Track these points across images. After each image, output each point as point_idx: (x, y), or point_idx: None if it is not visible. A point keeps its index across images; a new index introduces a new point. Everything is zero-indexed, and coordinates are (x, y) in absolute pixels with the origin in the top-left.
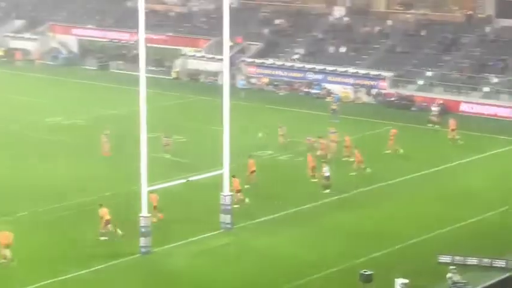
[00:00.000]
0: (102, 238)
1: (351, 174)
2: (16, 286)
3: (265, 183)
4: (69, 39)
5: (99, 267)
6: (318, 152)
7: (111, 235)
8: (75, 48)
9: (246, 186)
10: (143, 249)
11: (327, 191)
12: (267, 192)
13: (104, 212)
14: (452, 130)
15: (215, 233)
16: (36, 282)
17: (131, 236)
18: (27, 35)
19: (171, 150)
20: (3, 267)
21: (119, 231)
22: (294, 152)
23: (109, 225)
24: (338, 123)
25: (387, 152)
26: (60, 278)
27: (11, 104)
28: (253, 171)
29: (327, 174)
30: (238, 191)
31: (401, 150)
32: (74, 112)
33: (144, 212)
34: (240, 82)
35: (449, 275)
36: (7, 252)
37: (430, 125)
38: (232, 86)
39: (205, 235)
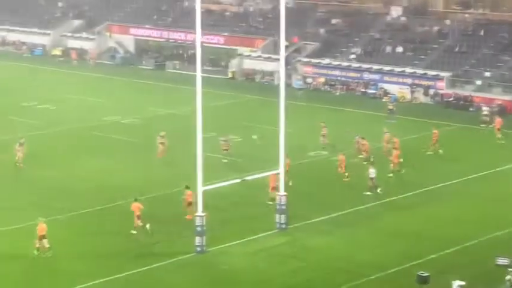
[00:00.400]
0: (148, 227)
1: (402, 172)
2: (76, 283)
3: (319, 183)
4: (126, 39)
5: (156, 265)
6: (364, 154)
7: (141, 230)
8: (132, 48)
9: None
10: (198, 248)
11: (379, 190)
12: (320, 193)
13: (135, 207)
14: (498, 130)
15: (270, 232)
16: (96, 279)
17: (187, 235)
18: (84, 35)
19: (229, 153)
20: (45, 257)
21: (147, 226)
22: (349, 153)
23: (139, 220)
24: (394, 124)
25: (438, 151)
26: (119, 275)
27: (69, 103)
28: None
29: (373, 176)
30: (273, 189)
31: (429, 152)
32: (131, 111)
33: (200, 211)
34: (297, 82)
35: (508, 277)
36: (45, 243)
37: (483, 125)
38: (289, 86)
39: (260, 235)
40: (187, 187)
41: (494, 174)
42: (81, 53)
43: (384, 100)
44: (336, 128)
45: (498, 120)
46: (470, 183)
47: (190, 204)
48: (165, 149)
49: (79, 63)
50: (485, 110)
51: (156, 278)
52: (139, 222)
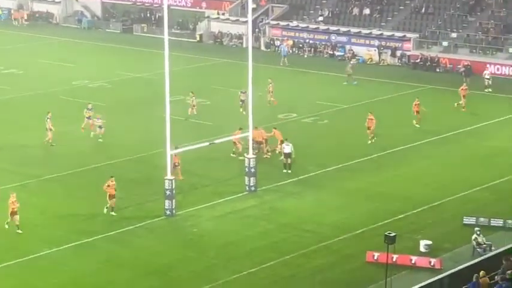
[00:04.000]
0: (106, 210)
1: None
2: (45, 247)
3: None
4: (93, 3)
5: (125, 229)
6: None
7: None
8: (98, 11)
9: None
10: (168, 212)
11: (287, 171)
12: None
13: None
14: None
15: (239, 195)
16: (64, 243)
17: (158, 199)
18: None
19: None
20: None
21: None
22: (319, 114)
23: (114, 200)
24: (356, 86)
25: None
26: (88, 240)
27: (36, 68)
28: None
29: (287, 151)
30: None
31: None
32: (99, 75)
33: (169, 174)
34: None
35: (474, 236)
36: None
37: (488, 90)
38: (258, 49)
39: (229, 197)
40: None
41: (461, 135)
42: (47, 16)
43: (350, 62)
44: (302, 90)
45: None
46: (437, 144)
47: (174, 164)
48: (90, 124)
49: (46, 27)
50: (486, 73)
51: (126, 242)
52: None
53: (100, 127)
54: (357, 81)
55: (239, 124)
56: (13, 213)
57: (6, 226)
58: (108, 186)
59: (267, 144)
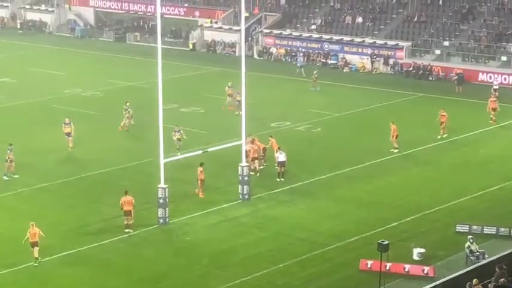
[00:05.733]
0: (126, 230)
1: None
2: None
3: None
4: (86, 11)
5: (118, 237)
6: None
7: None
8: (91, 20)
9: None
10: (161, 220)
11: (280, 179)
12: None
13: (124, 201)
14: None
15: (233, 203)
16: (57, 253)
17: (151, 207)
18: (43, 7)
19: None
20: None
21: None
22: (312, 122)
23: (130, 217)
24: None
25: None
26: (81, 249)
27: (29, 76)
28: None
29: (281, 159)
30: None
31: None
32: (92, 84)
33: (162, 183)
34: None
35: (467, 244)
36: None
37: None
38: (250, 57)
39: (223, 206)
40: (200, 164)
41: (456, 142)
42: (40, 25)
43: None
44: (295, 98)
45: None
46: (432, 151)
47: (201, 181)
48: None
49: (39, 35)
50: (495, 84)
51: (119, 250)
52: (130, 219)
53: (179, 140)
54: (319, 86)
55: (234, 132)
56: (34, 245)
57: (35, 264)
58: (124, 202)
59: (265, 153)
